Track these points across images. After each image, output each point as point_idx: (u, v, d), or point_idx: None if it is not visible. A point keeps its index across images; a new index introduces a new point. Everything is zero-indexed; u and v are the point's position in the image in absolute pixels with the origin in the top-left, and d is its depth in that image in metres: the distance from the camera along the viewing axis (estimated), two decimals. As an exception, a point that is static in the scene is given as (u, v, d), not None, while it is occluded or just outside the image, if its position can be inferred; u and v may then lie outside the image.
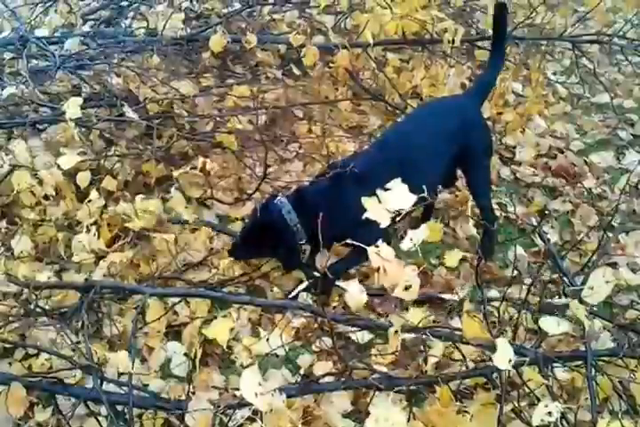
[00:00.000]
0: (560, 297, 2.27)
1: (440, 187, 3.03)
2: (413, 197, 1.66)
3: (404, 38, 3.83)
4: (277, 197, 2.70)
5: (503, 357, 1.72)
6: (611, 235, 2.72)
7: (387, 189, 1.67)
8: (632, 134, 4.04)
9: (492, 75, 3.04)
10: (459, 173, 3.04)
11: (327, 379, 2.19)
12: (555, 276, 2.51)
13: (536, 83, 4.01)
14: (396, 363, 2.30)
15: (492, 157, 3.04)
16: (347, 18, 4.18)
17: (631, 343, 2.03)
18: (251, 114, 3.68)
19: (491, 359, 1.75)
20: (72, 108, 2.73)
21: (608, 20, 4.65)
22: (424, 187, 1.77)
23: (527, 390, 2.01)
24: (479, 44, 4.15)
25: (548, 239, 2.58)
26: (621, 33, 4.06)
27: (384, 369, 2.17)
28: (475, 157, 2.84)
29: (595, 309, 2.39)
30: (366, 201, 1.67)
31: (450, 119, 2.79)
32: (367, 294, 2.28)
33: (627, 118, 4.20)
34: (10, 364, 2.35)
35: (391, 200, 1.65)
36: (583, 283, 1.90)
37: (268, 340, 2.35)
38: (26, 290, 2.38)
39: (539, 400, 1.73)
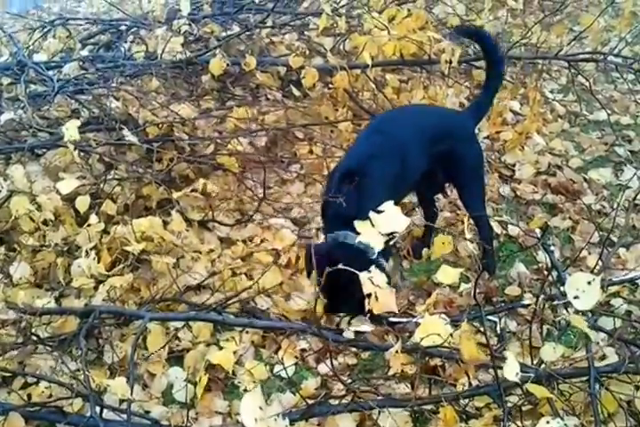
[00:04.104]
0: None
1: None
2: (407, 219, 1.66)
3: (402, 59, 3.86)
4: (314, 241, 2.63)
5: (511, 369, 1.71)
6: (610, 250, 2.70)
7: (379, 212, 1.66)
8: (630, 151, 4.05)
9: (488, 96, 3.07)
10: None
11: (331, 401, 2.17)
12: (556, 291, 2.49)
13: (534, 101, 4.03)
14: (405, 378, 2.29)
15: (483, 170, 3.05)
16: (345, 40, 4.22)
17: (634, 358, 2.02)
18: (251, 136, 3.70)
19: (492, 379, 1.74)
20: (71, 131, 2.74)
21: (603, 39, 4.68)
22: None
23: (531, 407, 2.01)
24: (477, 63, 4.18)
25: (552, 251, 2.57)
26: (616, 51, 4.09)
27: (392, 388, 2.17)
28: (464, 170, 2.87)
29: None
30: (359, 225, 1.66)
31: (440, 118, 2.92)
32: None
33: (624, 135, 4.22)
34: (9, 393, 2.32)
35: (384, 223, 1.65)
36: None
37: (270, 364, 2.33)
38: (25, 317, 2.36)
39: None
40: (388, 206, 1.70)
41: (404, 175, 2.64)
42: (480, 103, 3.08)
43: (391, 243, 1.70)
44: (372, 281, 1.73)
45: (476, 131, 3.96)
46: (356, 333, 2.47)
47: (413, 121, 2.81)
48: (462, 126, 2.92)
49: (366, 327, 2.49)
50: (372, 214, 1.69)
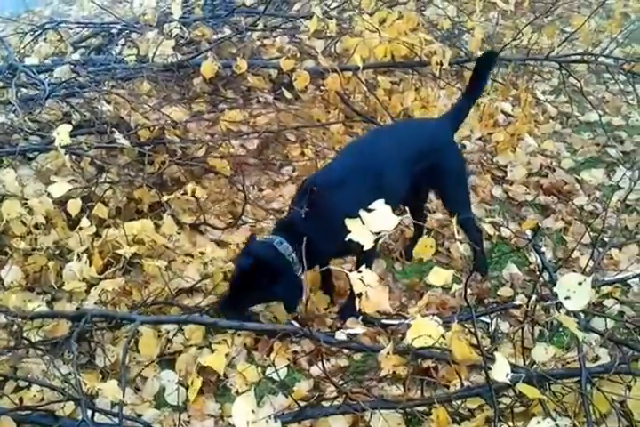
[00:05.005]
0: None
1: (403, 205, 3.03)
2: (396, 219, 1.65)
3: (394, 61, 3.86)
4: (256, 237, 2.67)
5: (501, 370, 1.71)
6: (601, 250, 2.71)
7: (369, 210, 1.66)
8: (622, 151, 4.07)
9: (468, 102, 3.05)
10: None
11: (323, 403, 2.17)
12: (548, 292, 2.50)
13: (525, 102, 4.04)
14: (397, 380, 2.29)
15: (465, 175, 3.06)
16: (336, 42, 4.22)
17: (626, 358, 2.02)
18: (243, 138, 3.70)
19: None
20: (62, 135, 2.73)
21: (594, 40, 4.70)
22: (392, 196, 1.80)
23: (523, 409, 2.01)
24: (468, 65, 4.18)
25: (543, 252, 2.58)
26: (607, 52, 4.10)
27: (385, 390, 2.16)
28: (446, 179, 2.87)
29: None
30: (350, 223, 1.66)
31: (418, 136, 2.87)
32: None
33: (616, 136, 4.24)
34: (0, 397, 2.30)
35: (373, 222, 1.64)
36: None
37: (262, 366, 2.32)
38: (17, 321, 2.35)
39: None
40: (379, 205, 1.70)
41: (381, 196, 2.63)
42: (460, 109, 3.05)
43: (380, 242, 1.69)
44: (363, 281, 1.71)
45: (468, 132, 4.00)
46: (349, 334, 2.48)
47: (392, 144, 2.76)
48: (441, 138, 2.89)
49: (359, 329, 2.50)
50: (362, 213, 1.69)
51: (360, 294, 1.66)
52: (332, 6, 4.41)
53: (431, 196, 3.19)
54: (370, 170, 2.62)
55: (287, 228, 2.58)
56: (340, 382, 2.24)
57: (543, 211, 3.52)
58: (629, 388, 2.00)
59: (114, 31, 4.65)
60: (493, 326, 2.59)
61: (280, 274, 2.47)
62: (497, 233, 3.28)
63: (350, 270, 1.78)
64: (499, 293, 2.92)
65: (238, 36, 4.27)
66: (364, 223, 1.65)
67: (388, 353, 1.93)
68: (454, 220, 1.99)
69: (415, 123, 3.39)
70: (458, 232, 2.62)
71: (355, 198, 2.36)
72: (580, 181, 3.76)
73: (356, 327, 2.56)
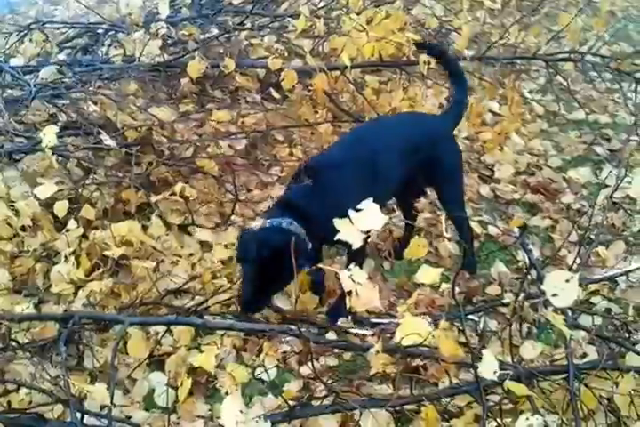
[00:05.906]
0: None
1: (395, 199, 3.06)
2: (384, 217, 1.66)
3: (381, 60, 3.86)
4: (259, 221, 2.59)
5: (489, 367, 1.72)
6: (588, 248, 2.73)
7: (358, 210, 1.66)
8: (609, 149, 4.09)
9: (462, 96, 3.09)
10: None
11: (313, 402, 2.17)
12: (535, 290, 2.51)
13: (512, 101, 4.06)
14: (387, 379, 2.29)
15: (461, 172, 3.06)
16: (324, 41, 4.21)
17: (613, 355, 2.04)
18: (231, 138, 3.69)
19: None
20: (48, 136, 2.72)
21: (581, 38, 4.72)
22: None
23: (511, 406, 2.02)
24: (455, 64, 4.18)
25: (530, 250, 2.59)
26: (594, 50, 4.13)
27: (374, 389, 2.16)
28: (443, 174, 2.88)
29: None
30: (338, 223, 1.66)
31: (419, 126, 2.90)
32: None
33: (603, 134, 4.27)
34: (-11, 400, 2.30)
35: (363, 221, 1.64)
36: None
37: (251, 367, 2.32)
38: (5, 323, 2.34)
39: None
40: (367, 204, 1.70)
41: (376, 184, 2.61)
42: (458, 103, 3.08)
43: (369, 240, 1.70)
44: (353, 279, 1.71)
45: (456, 131, 3.99)
46: (339, 333, 2.49)
47: (392, 133, 2.79)
48: (440, 132, 2.92)
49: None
50: (350, 212, 1.69)
51: (350, 292, 1.66)
52: (319, 5, 4.41)
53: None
54: (368, 155, 2.63)
55: (290, 207, 2.50)
56: (330, 382, 2.24)
57: (530, 209, 3.54)
58: (617, 384, 2.01)
59: (100, 31, 4.62)
60: (482, 324, 2.61)
61: (301, 252, 2.34)
62: (484, 231, 3.29)
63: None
64: (487, 291, 2.93)
65: (226, 35, 4.26)
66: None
67: (378, 352, 1.93)
68: (442, 218, 1.99)
69: (417, 114, 3.43)
70: (446, 230, 2.63)
71: (352, 180, 2.39)
72: (567, 180, 3.78)
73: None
